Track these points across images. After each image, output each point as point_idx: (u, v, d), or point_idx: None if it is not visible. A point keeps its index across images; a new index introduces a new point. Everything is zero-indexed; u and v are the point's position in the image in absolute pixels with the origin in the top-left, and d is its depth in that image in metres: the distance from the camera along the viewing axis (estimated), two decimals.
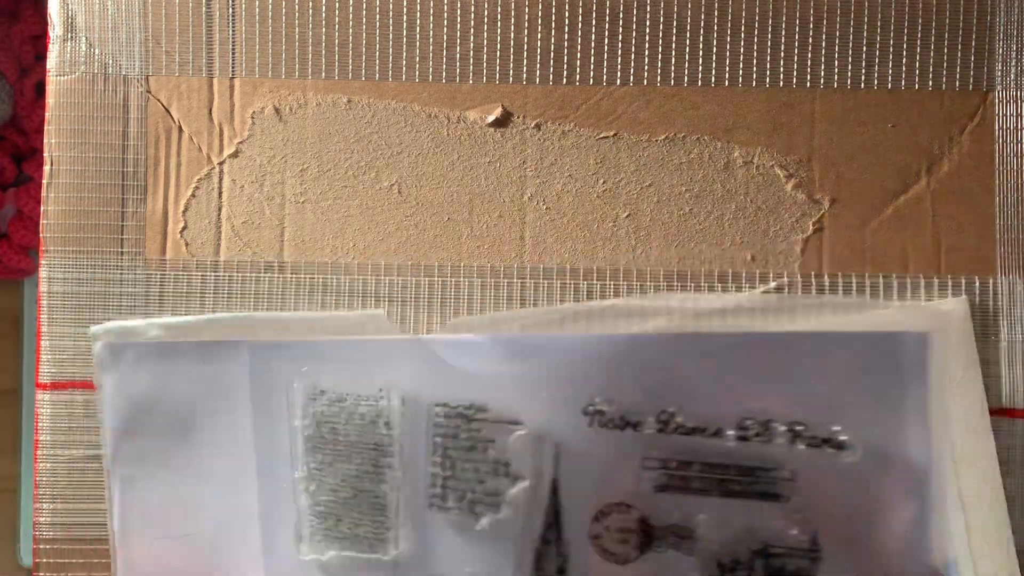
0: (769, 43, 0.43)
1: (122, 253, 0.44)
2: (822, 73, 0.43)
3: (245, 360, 0.30)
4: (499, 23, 0.43)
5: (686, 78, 0.43)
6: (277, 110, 0.44)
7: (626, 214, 0.43)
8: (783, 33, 0.43)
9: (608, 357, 0.26)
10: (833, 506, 0.26)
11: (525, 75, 0.43)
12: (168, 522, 0.31)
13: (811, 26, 0.43)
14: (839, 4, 0.43)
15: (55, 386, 0.43)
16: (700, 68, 0.43)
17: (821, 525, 0.26)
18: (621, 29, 0.43)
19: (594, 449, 0.25)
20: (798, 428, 0.25)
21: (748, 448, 0.25)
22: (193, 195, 0.44)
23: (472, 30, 0.43)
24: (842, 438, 0.25)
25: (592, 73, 0.43)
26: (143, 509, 0.30)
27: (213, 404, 0.30)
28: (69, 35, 0.44)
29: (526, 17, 0.43)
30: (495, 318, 0.28)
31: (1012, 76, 0.43)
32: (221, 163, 0.44)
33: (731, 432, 0.25)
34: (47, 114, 0.44)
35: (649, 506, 0.25)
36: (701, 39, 0.43)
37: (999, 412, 0.42)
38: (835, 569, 0.26)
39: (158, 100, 0.44)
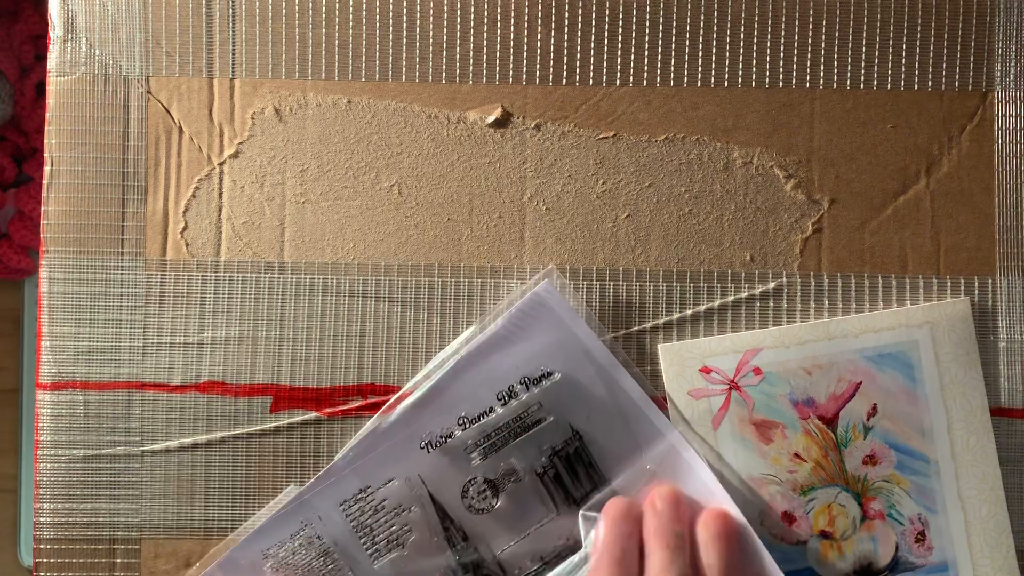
0: (769, 43, 0.43)
1: (122, 253, 0.44)
2: (821, 73, 0.43)
3: None
4: (499, 23, 0.43)
5: (686, 78, 0.43)
6: (277, 110, 0.44)
7: (626, 214, 0.43)
8: (783, 33, 0.43)
9: (407, 426, 0.42)
10: (573, 407, 0.42)
11: (525, 75, 0.43)
12: None
13: (811, 26, 0.43)
14: (839, 4, 0.43)
15: (55, 386, 0.43)
16: (700, 68, 0.43)
17: (570, 418, 0.42)
18: (621, 29, 0.43)
19: (438, 463, 0.41)
20: (526, 379, 0.41)
21: (510, 407, 0.41)
22: (193, 195, 0.44)
23: (472, 30, 0.43)
24: (548, 370, 0.41)
25: (592, 73, 0.43)
26: None
27: None
28: (69, 35, 0.44)
29: (526, 17, 0.43)
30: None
31: (1012, 76, 0.43)
32: (221, 163, 0.44)
33: (497, 406, 0.41)
34: (47, 114, 0.44)
35: (485, 471, 0.42)
36: (701, 39, 0.43)
37: (999, 412, 0.42)
38: (594, 437, 0.42)
39: (158, 101, 0.44)
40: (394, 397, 0.42)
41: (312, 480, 0.42)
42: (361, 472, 0.41)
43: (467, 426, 0.41)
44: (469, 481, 0.41)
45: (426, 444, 0.41)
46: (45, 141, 0.44)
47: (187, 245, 0.44)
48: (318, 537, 0.41)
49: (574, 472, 0.41)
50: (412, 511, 0.41)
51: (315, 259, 0.43)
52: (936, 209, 0.43)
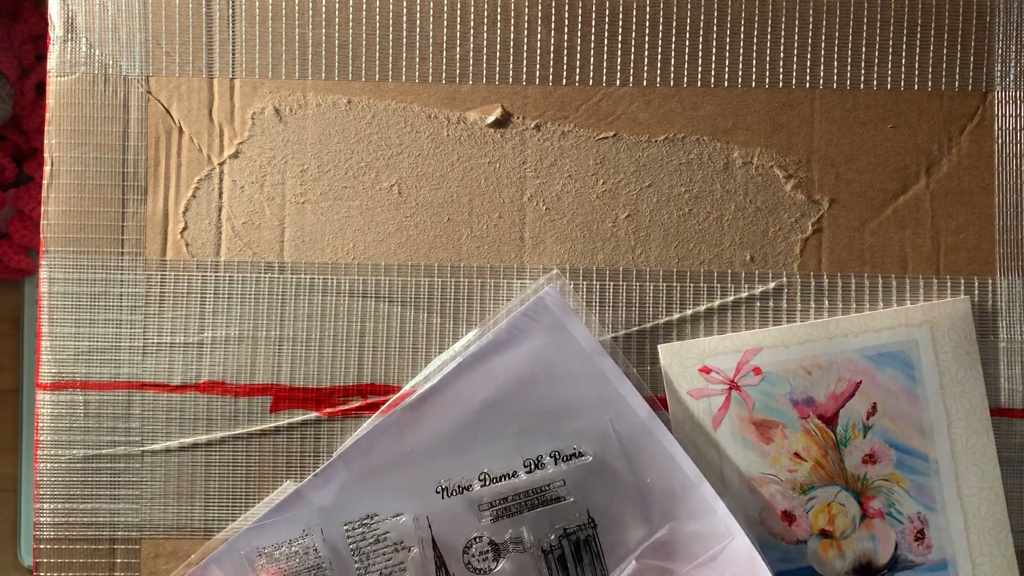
0: (769, 43, 0.43)
1: (122, 253, 0.44)
2: (822, 73, 0.43)
3: None
4: (499, 23, 0.43)
5: (686, 78, 0.43)
6: (277, 111, 0.44)
7: (626, 214, 0.43)
8: (783, 33, 0.43)
9: (432, 460, 0.42)
10: (593, 492, 0.41)
11: (525, 75, 0.43)
12: None
13: (811, 26, 0.43)
14: (839, 4, 0.43)
15: (55, 386, 0.43)
16: (700, 68, 0.43)
17: (589, 504, 0.41)
18: (621, 29, 0.43)
19: (449, 511, 0.41)
20: (556, 453, 0.41)
21: (534, 477, 0.41)
22: (193, 195, 0.44)
23: (472, 31, 0.43)
24: (580, 450, 0.41)
25: (592, 73, 0.43)
26: None
27: None
28: (69, 36, 0.44)
29: (526, 17, 0.43)
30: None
31: (1012, 76, 0.43)
32: (221, 164, 0.44)
33: (522, 471, 0.41)
34: (47, 114, 0.44)
35: (492, 533, 0.41)
36: (701, 39, 0.43)
37: (999, 412, 0.42)
38: (610, 530, 0.41)
39: (158, 101, 0.44)
40: (394, 397, 0.42)
41: (311, 477, 0.42)
42: (372, 496, 0.41)
43: (487, 483, 0.41)
44: (475, 538, 0.41)
45: (443, 489, 0.41)
46: (45, 141, 0.44)
47: (187, 245, 0.44)
48: (315, 549, 0.41)
49: (579, 558, 0.41)
50: (411, 551, 0.41)
51: (315, 259, 0.43)
52: (936, 209, 0.43)
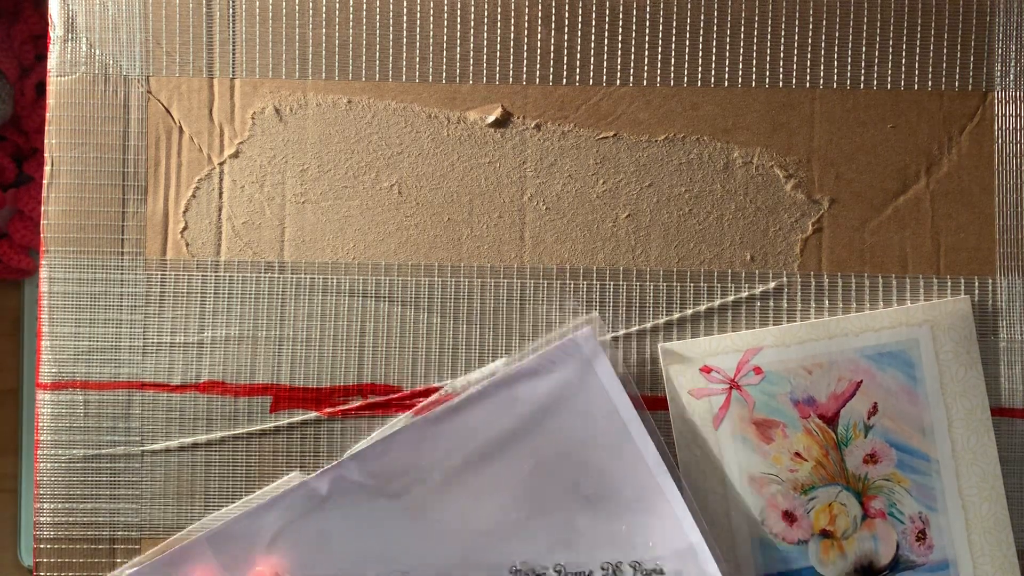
0: (769, 43, 0.43)
1: (122, 253, 0.44)
2: (822, 73, 0.43)
3: None
4: (499, 23, 0.43)
5: (686, 78, 0.43)
6: (277, 110, 0.44)
7: (626, 214, 0.43)
8: (783, 33, 0.43)
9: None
10: None
11: (525, 75, 0.43)
12: None
13: (811, 26, 0.43)
14: (839, 4, 0.43)
15: (55, 386, 0.43)
16: (700, 68, 0.43)
17: None
18: (621, 29, 0.43)
19: None
20: (638, 565, 0.40)
21: None
22: (193, 195, 0.44)
23: (472, 30, 0.43)
24: (662, 568, 0.40)
25: (592, 73, 0.43)
26: None
27: None
28: (70, 35, 0.44)
29: (526, 17, 0.43)
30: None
31: (1012, 76, 0.43)
32: (221, 163, 0.44)
33: (598, 573, 0.40)
34: (47, 114, 0.44)
35: None
36: (701, 39, 0.43)
37: (999, 412, 0.42)
38: None
39: (159, 100, 0.44)
40: (427, 400, 0.42)
41: (318, 472, 0.41)
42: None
43: (562, 575, 0.40)
44: None
45: (517, 571, 0.40)
46: (45, 141, 0.44)
47: (187, 245, 0.44)
48: None
49: None
50: None
51: (315, 259, 0.43)
52: (936, 209, 0.43)
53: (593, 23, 0.43)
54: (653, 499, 0.40)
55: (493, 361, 0.42)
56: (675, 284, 0.43)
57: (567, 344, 0.41)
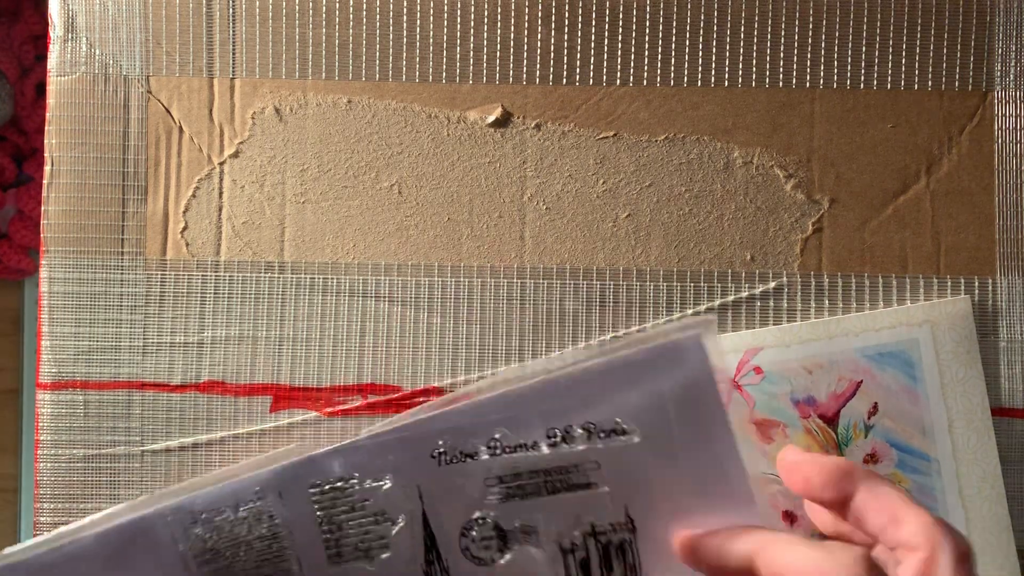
0: (769, 43, 0.43)
1: (122, 253, 0.44)
2: (822, 73, 0.43)
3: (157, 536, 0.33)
4: (499, 23, 0.43)
5: (686, 78, 0.43)
6: (277, 110, 0.44)
7: (626, 214, 0.43)
8: (783, 33, 0.43)
9: (438, 424, 0.32)
10: (634, 483, 0.31)
11: (525, 75, 0.43)
12: None
13: (811, 26, 0.43)
14: (839, 4, 0.43)
15: (55, 386, 0.43)
16: (700, 68, 0.43)
17: (628, 500, 0.31)
18: (621, 29, 0.43)
19: (446, 481, 0.32)
20: (590, 426, 0.31)
21: (560, 451, 0.31)
22: (193, 195, 0.44)
23: (472, 30, 0.43)
24: (624, 426, 0.31)
25: (592, 73, 0.43)
26: None
27: None
28: (70, 35, 0.44)
29: (526, 17, 0.43)
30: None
31: (1012, 76, 0.43)
32: (221, 163, 0.44)
33: (544, 442, 0.31)
34: (47, 114, 0.44)
35: (499, 515, 0.32)
36: (701, 39, 0.43)
37: (999, 412, 0.42)
38: (650, 536, 0.31)
39: (159, 100, 0.44)
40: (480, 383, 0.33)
41: (292, 457, 0.34)
42: (350, 457, 0.32)
43: (497, 452, 0.31)
44: (476, 519, 0.32)
45: (440, 454, 0.32)
46: (45, 141, 0.44)
47: (187, 245, 0.44)
48: (269, 515, 0.32)
49: (608, 566, 0.32)
50: (396, 525, 0.32)
51: (315, 259, 0.43)
52: (936, 209, 0.43)
53: (593, 23, 0.43)
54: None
55: (495, 362, 0.42)
56: (675, 284, 0.43)
57: (671, 346, 0.31)
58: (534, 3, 0.43)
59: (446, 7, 0.43)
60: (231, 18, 0.44)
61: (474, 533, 0.32)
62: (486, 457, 0.32)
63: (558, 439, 0.31)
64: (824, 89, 0.43)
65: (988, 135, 0.43)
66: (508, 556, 0.32)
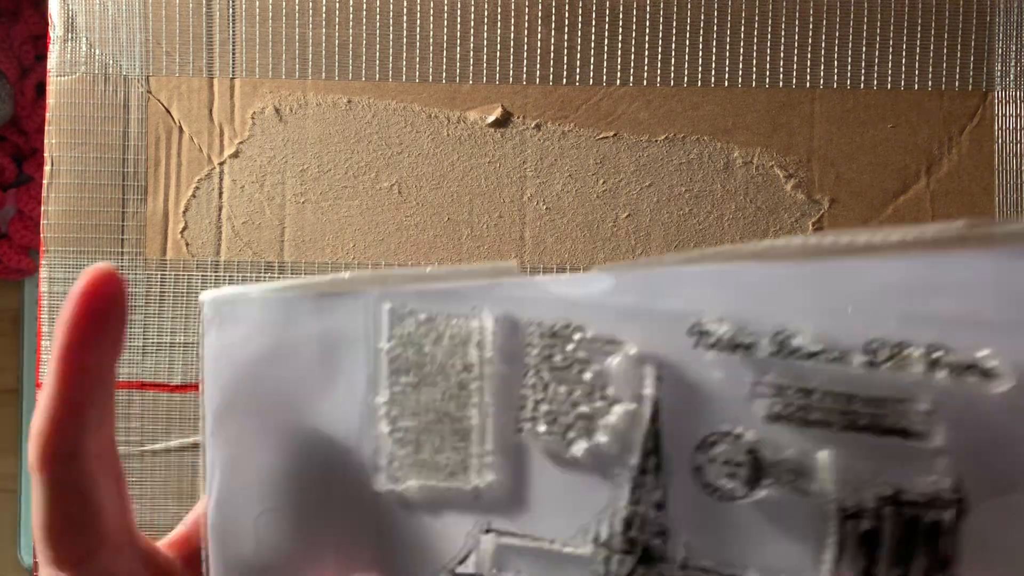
0: (769, 43, 0.43)
1: (122, 253, 0.44)
2: (822, 73, 0.43)
3: (370, 309, 0.25)
4: (499, 23, 0.43)
5: (686, 78, 0.43)
6: (277, 110, 0.44)
7: (626, 214, 0.43)
8: (783, 33, 0.43)
9: (721, 279, 0.23)
10: (982, 447, 0.21)
11: (525, 75, 0.43)
12: (272, 494, 0.26)
13: (811, 26, 0.43)
14: (839, 4, 0.43)
15: None
16: (700, 68, 0.43)
17: (967, 470, 0.21)
18: (621, 29, 0.43)
19: (701, 372, 0.22)
20: (937, 353, 0.21)
21: (878, 375, 0.21)
22: (193, 195, 0.44)
23: (472, 30, 0.43)
24: (990, 364, 0.20)
25: (592, 73, 0.43)
26: (245, 484, 0.26)
27: (330, 361, 0.25)
28: (69, 35, 0.44)
29: (526, 17, 0.43)
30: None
31: (1012, 76, 0.43)
32: (221, 163, 0.44)
33: (858, 356, 0.21)
34: (47, 114, 0.44)
35: (760, 437, 0.22)
36: (701, 39, 0.43)
37: None
38: (984, 526, 0.21)
39: (159, 100, 0.44)
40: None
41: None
42: (581, 309, 0.24)
43: (783, 351, 0.22)
44: (727, 433, 0.22)
45: (699, 331, 0.22)
46: (45, 141, 0.44)
47: (187, 245, 0.44)
48: (478, 343, 0.24)
49: (905, 552, 0.21)
50: (615, 407, 0.23)
51: (315, 259, 0.43)
52: (936, 209, 0.43)
53: (593, 23, 0.43)
54: None
55: None
56: None
57: None
58: (534, 3, 0.43)
59: (446, 7, 0.43)
60: (231, 18, 0.44)
61: (720, 450, 0.22)
62: (766, 354, 0.22)
63: (882, 358, 0.21)
64: (824, 89, 0.43)
65: (988, 135, 0.43)
66: (757, 496, 0.22)
